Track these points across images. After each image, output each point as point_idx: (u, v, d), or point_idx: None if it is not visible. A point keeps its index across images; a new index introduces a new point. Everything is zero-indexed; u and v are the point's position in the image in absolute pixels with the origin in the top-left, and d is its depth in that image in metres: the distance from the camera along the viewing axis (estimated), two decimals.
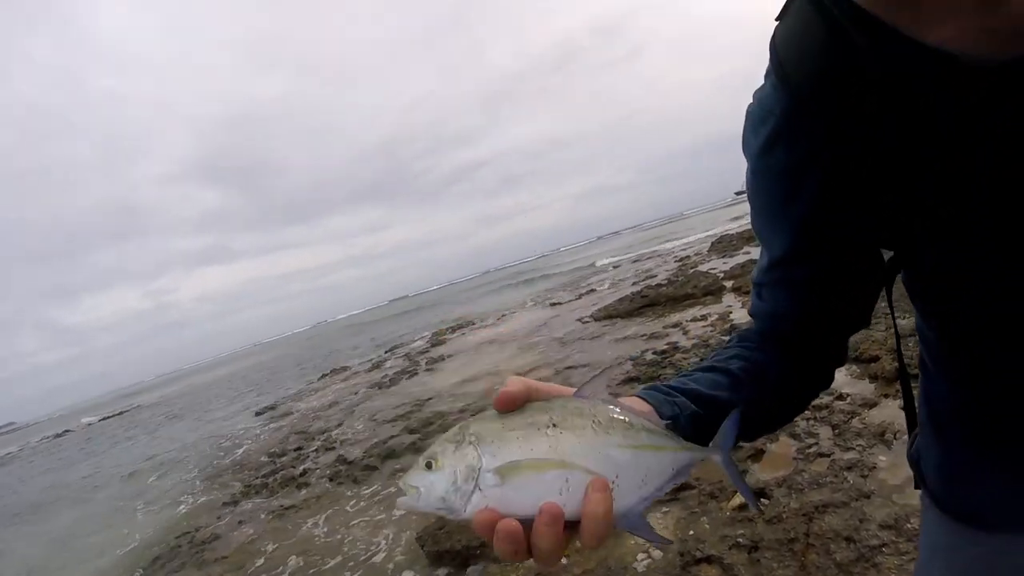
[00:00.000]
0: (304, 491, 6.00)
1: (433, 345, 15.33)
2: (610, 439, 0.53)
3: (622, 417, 0.55)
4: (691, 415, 0.66)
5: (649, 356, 6.90)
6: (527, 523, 0.49)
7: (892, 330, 0.90)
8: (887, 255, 0.75)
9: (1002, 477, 0.79)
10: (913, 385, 0.93)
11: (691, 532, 3.10)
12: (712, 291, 9.82)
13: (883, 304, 0.84)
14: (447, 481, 0.51)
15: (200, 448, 10.65)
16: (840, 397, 4.15)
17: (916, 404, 0.92)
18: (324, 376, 16.02)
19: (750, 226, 0.85)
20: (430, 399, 8.52)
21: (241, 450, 9.27)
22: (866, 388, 4.24)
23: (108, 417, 29.06)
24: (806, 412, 3.79)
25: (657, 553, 3.00)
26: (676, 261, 18.07)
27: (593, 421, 0.53)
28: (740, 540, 2.87)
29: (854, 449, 3.42)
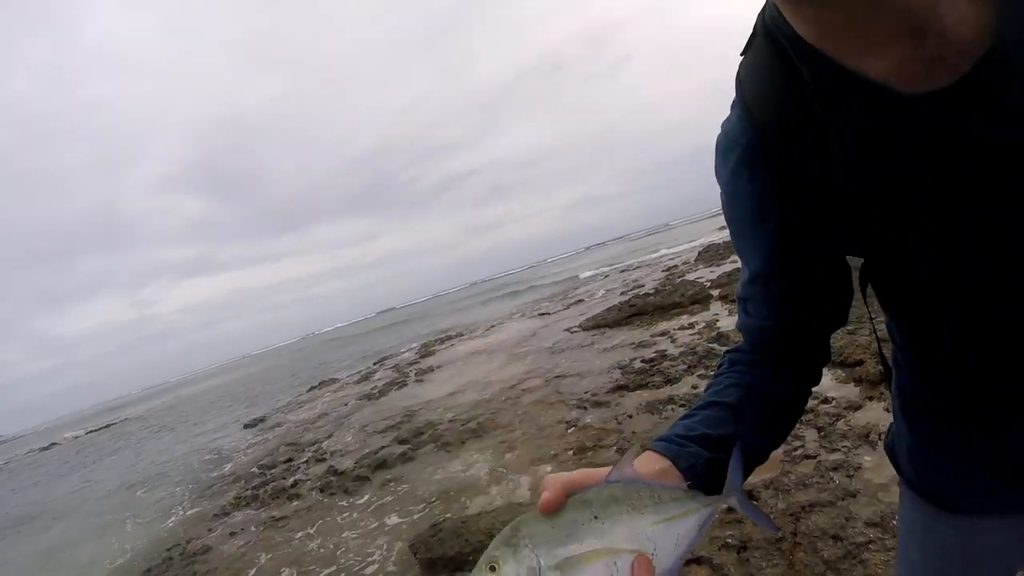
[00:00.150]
0: (295, 502, 5.99)
1: (422, 356, 15.33)
2: (645, 519, 0.59)
3: (651, 494, 0.61)
4: (706, 462, 0.70)
5: (637, 364, 6.98)
6: None
7: (875, 335, 0.96)
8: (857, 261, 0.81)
9: (967, 462, 0.85)
10: None
11: None
12: (699, 299, 9.93)
13: (866, 310, 0.91)
14: None
15: (189, 461, 10.56)
16: (825, 401, 4.23)
17: None
18: (313, 388, 15.94)
19: None
20: (420, 410, 8.53)
21: (231, 462, 9.21)
22: (851, 391, 4.32)
23: (95, 430, 28.70)
24: None
25: None
26: (663, 271, 18.21)
27: (628, 506, 0.59)
28: (729, 540, 2.92)
29: (840, 450, 3.49)
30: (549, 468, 4.71)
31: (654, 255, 28.95)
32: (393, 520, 4.73)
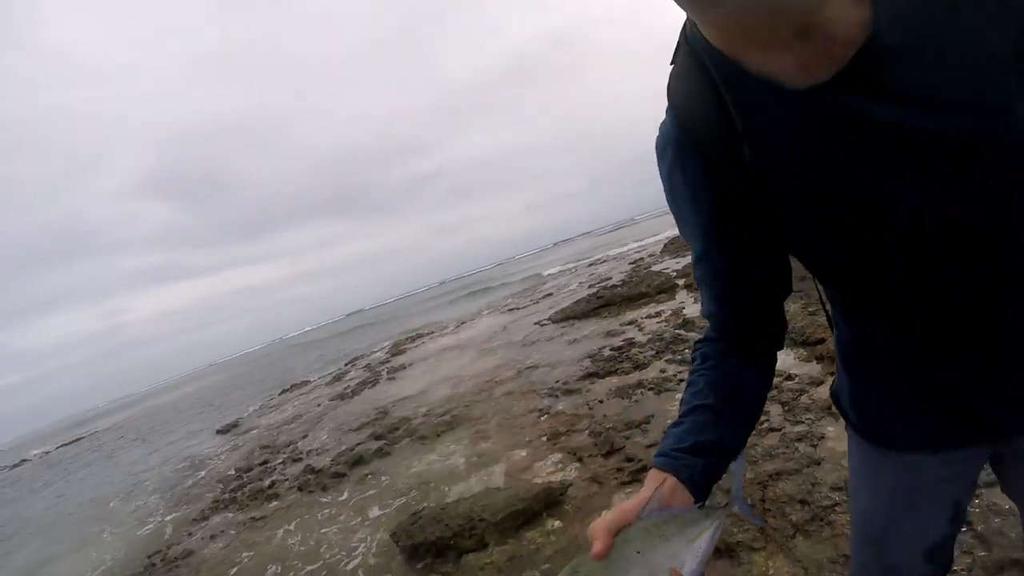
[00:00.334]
0: (274, 502, 5.98)
1: (393, 355, 15.32)
2: (674, 544, 0.73)
3: (674, 520, 0.76)
4: (702, 468, 0.82)
5: (607, 352, 7.13)
6: None
7: (821, 299, 1.10)
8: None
9: (901, 402, 0.95)
10: None
11: None
12: (665, 289, 10.14)
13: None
14: None
15: (163, 469, 10.39)
16: (789, 378, 4.40)
17: None
18: (284, 391, 15.80)
19: None
20: (394, 407, 8.56)
21: (206, 469, 9.09)
22: (813, 368, 4.51)
23: (64, 444, 27.95)
24: None
25: None
26: (630, 263, 18.45)
27: (659, 537, 0.73)
28: None
29: (803, 423, 3.66)
30: (523, 453, 4.82)
31: (621, 249, 29.26)
32: (373, 513, 4.78)
